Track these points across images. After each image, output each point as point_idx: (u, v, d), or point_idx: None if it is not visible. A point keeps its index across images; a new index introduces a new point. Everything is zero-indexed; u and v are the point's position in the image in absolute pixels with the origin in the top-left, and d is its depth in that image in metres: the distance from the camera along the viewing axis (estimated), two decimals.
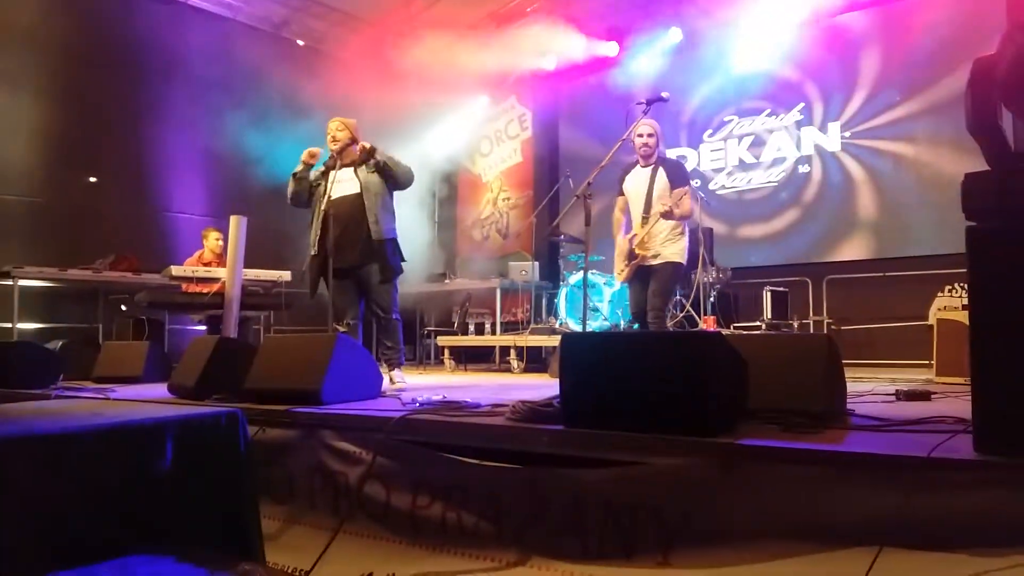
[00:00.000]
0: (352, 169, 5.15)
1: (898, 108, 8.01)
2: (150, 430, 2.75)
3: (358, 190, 5.07)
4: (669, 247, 5.25)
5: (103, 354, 5.68)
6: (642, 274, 5.33)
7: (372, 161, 5.11)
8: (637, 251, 5.27)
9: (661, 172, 5.27)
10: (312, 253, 5.08)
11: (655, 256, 5.25)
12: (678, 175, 5.29)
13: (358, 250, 5.02)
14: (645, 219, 5.25)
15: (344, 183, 5.11)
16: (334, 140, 5.14)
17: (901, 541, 1.92)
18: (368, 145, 5.09)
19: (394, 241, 5.19)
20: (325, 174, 5.16)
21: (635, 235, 5.31)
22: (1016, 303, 1.93)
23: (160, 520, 2.72)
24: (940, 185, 7.49)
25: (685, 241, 5.34)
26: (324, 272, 4.99)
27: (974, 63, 2.05)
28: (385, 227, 5.09)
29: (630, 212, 5.47)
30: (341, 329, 5.04)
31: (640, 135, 5.28)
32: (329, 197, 5.04)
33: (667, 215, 5.11)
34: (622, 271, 5.42)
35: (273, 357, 3.81)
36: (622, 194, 5.51)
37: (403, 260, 5.26)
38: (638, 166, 5.43)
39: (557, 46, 9.59)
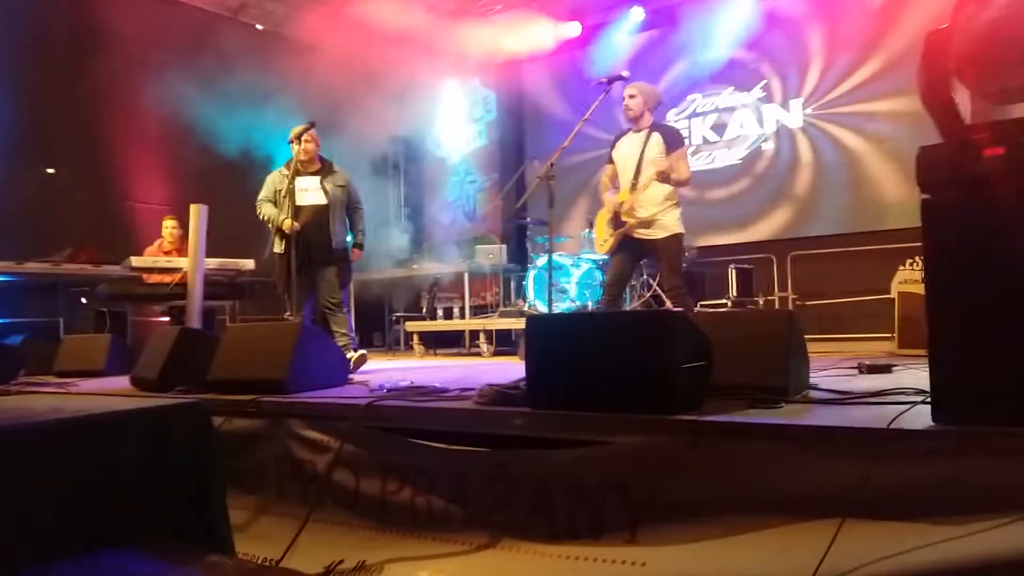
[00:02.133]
0: (318, 179, 5.46)
1: (853, 77, 8.10)
2: (112, 424, 2.71)
3: (324, 202, 5.43)
4: (667, 218, 4.96)
5: (64, 348, 5.59)
6: (631, 246, 5.03)
7: (340, 179, 5.56)
8: (624, 219, 4.97)
9: (656, 137, 5.01)
10: (278, 252, 5.36)
11: (649, 227, 4.95)
12: (673, 139, 5.05)
13: (320, 255, 5.40)
14: (634, 185, 4.95)
15: (311, 192, 5.43)
16: (305, 151, 5.37)
17: (863, 512, 1.95)
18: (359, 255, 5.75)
19: (347, 248, 5.69)
20: (291, 178, 5.33)
21: (622, 202, 5.01)
22: (969, 274, 1.96)
23: (125, 514, 2.68)
24: (901, 159, 7.59)
25: (680, 210, 5.06)
26: (290, 268, 5.24)
27: (926, 36, 2.06)
28: (343, 236, 5.60)
29: (619, 180, 5.19)
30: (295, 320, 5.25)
31: (623, 98, 5.13)
32: (294, 203, 5.27)
33: (664, 178, 4.84)
34: (606, 240, 5.13)
35: (237, 347, 3.77)
36: (611, 162, 5.26)
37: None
38: (630, 132, 5.20)
39: (521, 29, 9.52)
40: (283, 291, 5.36)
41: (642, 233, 4.94)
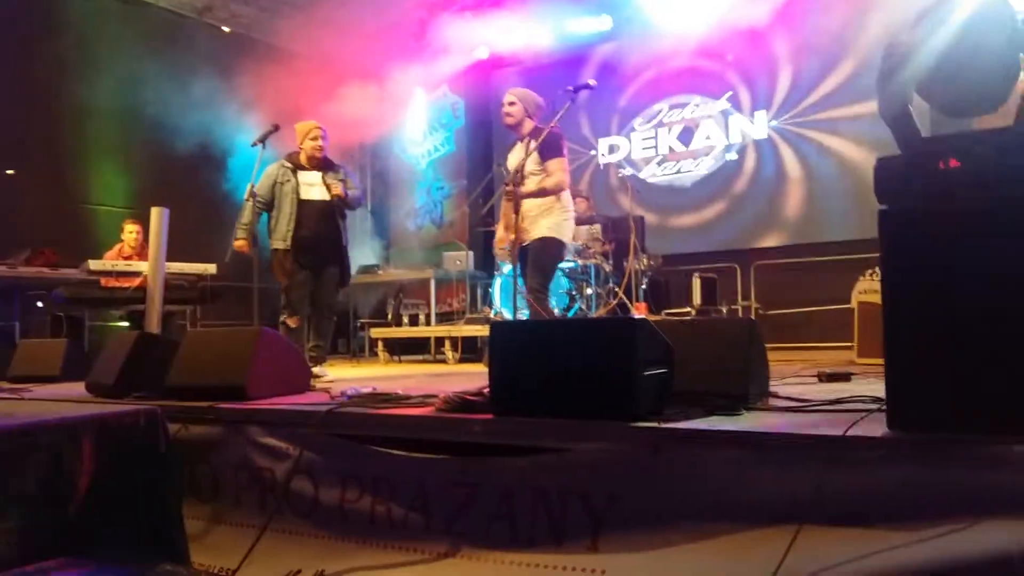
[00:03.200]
0: (320, 175, 5.36)
1: (817, 89, 8.23)
2: (65, 431, 2.66)
3: (328, 197, 5.31)
4: (541, 221, 4.75)
5: (19, 352, 5.46)
6: (523, 256, 4.79)
7: (342, 174, 5.43)
8: (508, 234, 4.79)
9: (532, 145, 4.71)
10: (283, 247, 5.23)
11: (529, 231, 4.75)
12: (549, 147, 4.72)
13: (324, 252, 5.31)
14: (511, 196, 4.69)
15: (314, 187, 5.33)
16: (319, 148, 5.33)
17: (820, 519, 1.97)
18: (342, 193, 5.31)
19: (348, 250, 5.57)
20: (293, 172, 5.30)
21: (504, 215, 4.88)
22: (925, 284, 1.99)
23: (79, 523, 2.63)
24: (862, 170, 7.72)
25: (564, 216, 4.81)
26: (295, 264, 5.20)
27: (884, 49, 2.10)
28: (346, 235, 5.50)
29: None
30: (291, 324, 5.19)
31: (502, 104, 4.97)
32: (299, 196, 5.24)
33: (539, 193, 4.66)
34: (504, 253, 5.00)
35: (195, 352, 3.70)
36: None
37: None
38: (519, 142, 4.98)
39: (489, 36, 9.53)
40: (285, 289, 5.25)
41: (525, 240, 4.75)
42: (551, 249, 4.77)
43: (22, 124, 7.74)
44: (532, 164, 4.74)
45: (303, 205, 5.25)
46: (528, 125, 4.92)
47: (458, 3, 9.72)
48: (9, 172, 7.73)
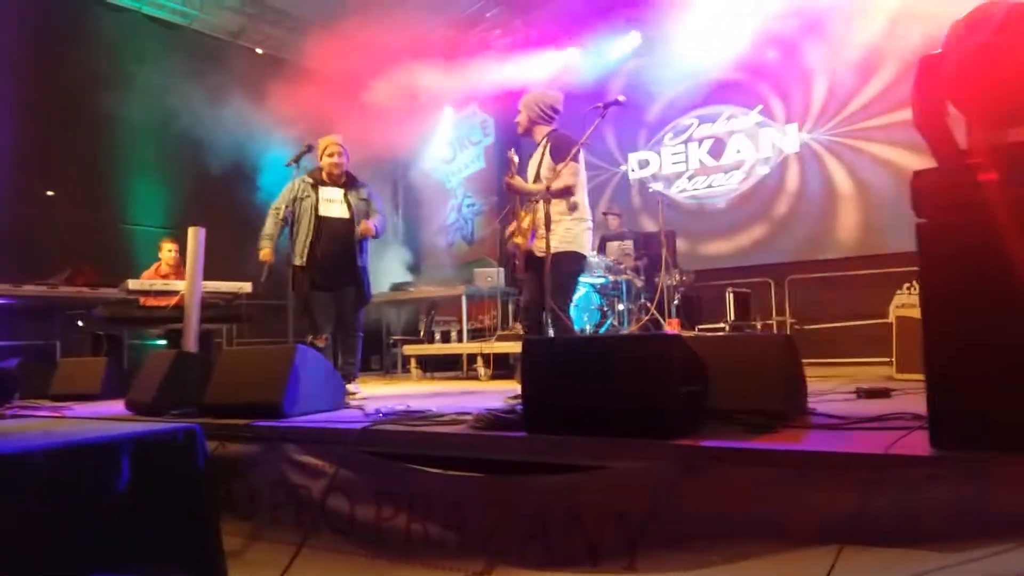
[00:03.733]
0: (342, 192, 5.31)
1: (852, 102, 8.15)
2: (105, 448, 2.70)
3: (348, 216, 5.26)
4: (556, 230, 4.43)
5: (60, 371, 5.56)
6: (535, 264, 4.58)
7: (365, 193, 5.38)
8: (516, 239, 4.76)
9: (546, 148, 4.70)
10: (299, 264, 5.16)
11: (540, 242, 4.47)
12: (557, 150, 4.59)
13: (342, 272, 5.21)
14: (523, 202, 4.69)
15: (335, 204, 5.27)
16: (336, 165, 5.26)
17: (861, 539, 1.93)
18: (372, 233, 5.30)
19: (366, 269, 5.41)
20: (314, 187, 5.25)
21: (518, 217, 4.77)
22: (965, 297, 1.96)
23: (118, 539, 2.66)
24: (899, 182, 7.63)
25: (579, 226, 4.59)
26: (312, 284, 5.14)
27: (920, 61, 2.08)
28: (365, 255, 5.37)
29: None
30: (319, 344, 5.06)
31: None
32: (317, 213, 5.18)
33: (544, 194, 4.40)
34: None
35: (232, 370, 3.75)
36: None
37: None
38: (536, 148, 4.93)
39: (519, 65, 9.60)
40: (303, 310, 5.19)
41: (536, 248, 4.52)
42: (564, 264, 4.46)
43: (60, 145, 7.94)
44: (546, 169, 4.56)
45: (321, 222, 5.18)
46: (541, 130, 4.79)
47: (487, 20, 9.80)
48: (49, 193, 7.91)
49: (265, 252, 5.19)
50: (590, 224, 4.71)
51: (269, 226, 5.26)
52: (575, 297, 7.15)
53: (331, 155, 5.27)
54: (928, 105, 2.10)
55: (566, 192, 4.49)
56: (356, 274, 5.29)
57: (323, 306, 5.18)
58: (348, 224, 5.25)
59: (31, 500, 2.41)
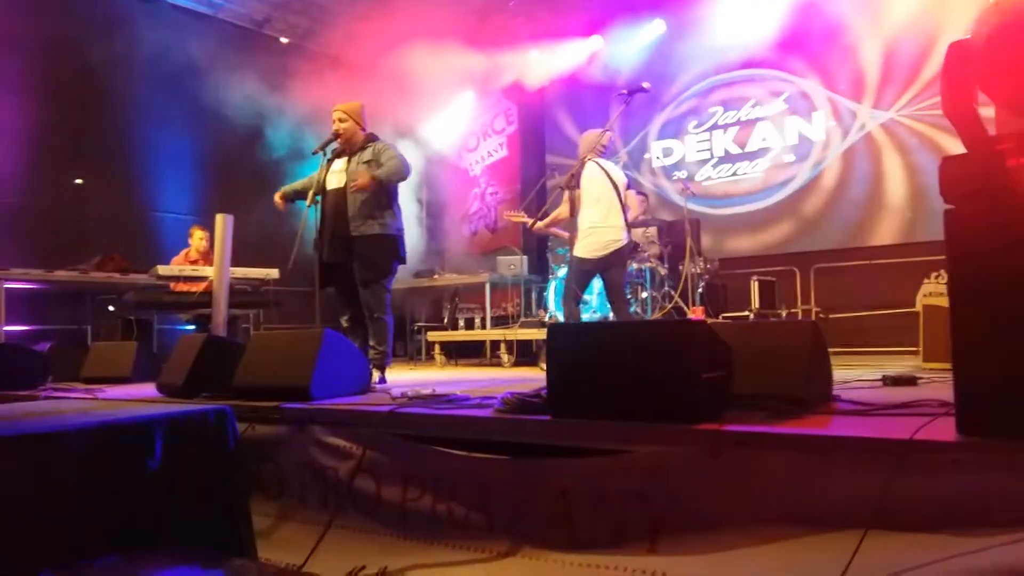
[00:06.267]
0: (344, 161, 4.88)
1: (876, 90, 8.07)
2: (138, 428, 2.76)
3: (341, 185, 4.79)
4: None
5: (91, 355, 5.65)
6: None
7: (369, 153, 4.83)
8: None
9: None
10: (317, 240, 4.88)
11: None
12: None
13: (341, 247, 4.74)
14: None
15: (334, 175, 4.86)
16: (335, 133, 4.84)
17: (886, 523, 1.94)
18: (367, 182, 4.62)
19: (383, 238, 4.76)
20: (329, 163, 4.93)
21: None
22: (993, 285, 1.95)
23: (151, 517, 2.72)
24: (926, 171, 7.55)
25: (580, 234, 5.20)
26: (319, 262, 4.81)
27: (949, 47, 2.06)
28: (369, 223, 4.71)
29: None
30: (343, 323, 4.93)
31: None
32: (324, 189, 4.85)
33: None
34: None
35: (261, 354, 3.81)
36: (578, 187, 5.30)
37: (398, 258, 4.87)
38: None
39: (543, 54, 9.59)
40: (321, 289, 4.83)
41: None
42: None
43: (91, 134, 8.05)
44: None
45: (326, 196, 4.82)
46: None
47: (509, 7, 9.78)
48: (78, 181, 8.03)
49: (276, 196, 5.04)
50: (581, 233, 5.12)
51: (296, 183, 5.11)
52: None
53: (333, 122, 4.90)
54: (957, 91, 2.08)
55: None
56: (353, 247, 4.72)
57: (336, 285, 4.87)
58: (341, 194, 4.76)
59: (68, 478, 2.48)
